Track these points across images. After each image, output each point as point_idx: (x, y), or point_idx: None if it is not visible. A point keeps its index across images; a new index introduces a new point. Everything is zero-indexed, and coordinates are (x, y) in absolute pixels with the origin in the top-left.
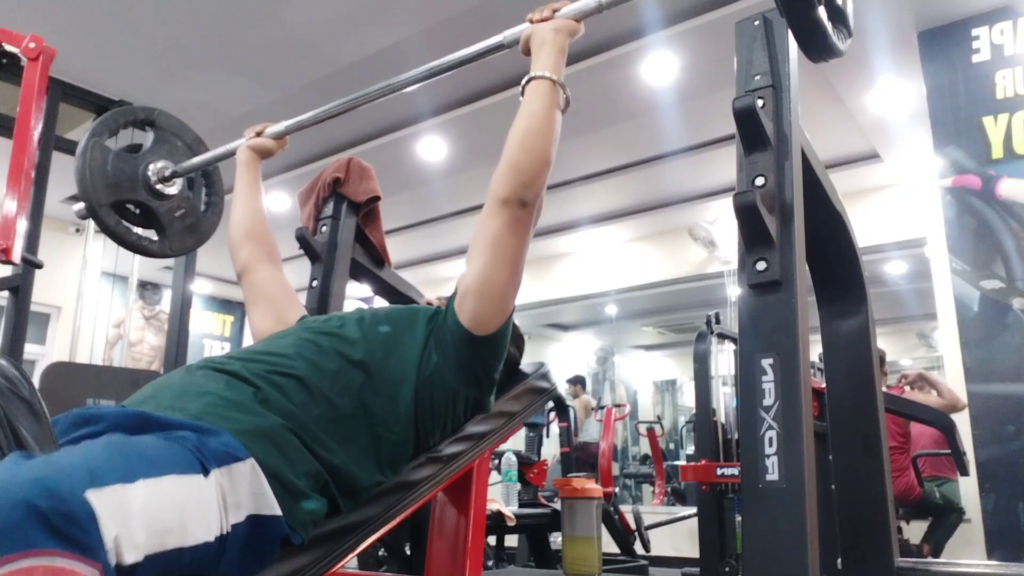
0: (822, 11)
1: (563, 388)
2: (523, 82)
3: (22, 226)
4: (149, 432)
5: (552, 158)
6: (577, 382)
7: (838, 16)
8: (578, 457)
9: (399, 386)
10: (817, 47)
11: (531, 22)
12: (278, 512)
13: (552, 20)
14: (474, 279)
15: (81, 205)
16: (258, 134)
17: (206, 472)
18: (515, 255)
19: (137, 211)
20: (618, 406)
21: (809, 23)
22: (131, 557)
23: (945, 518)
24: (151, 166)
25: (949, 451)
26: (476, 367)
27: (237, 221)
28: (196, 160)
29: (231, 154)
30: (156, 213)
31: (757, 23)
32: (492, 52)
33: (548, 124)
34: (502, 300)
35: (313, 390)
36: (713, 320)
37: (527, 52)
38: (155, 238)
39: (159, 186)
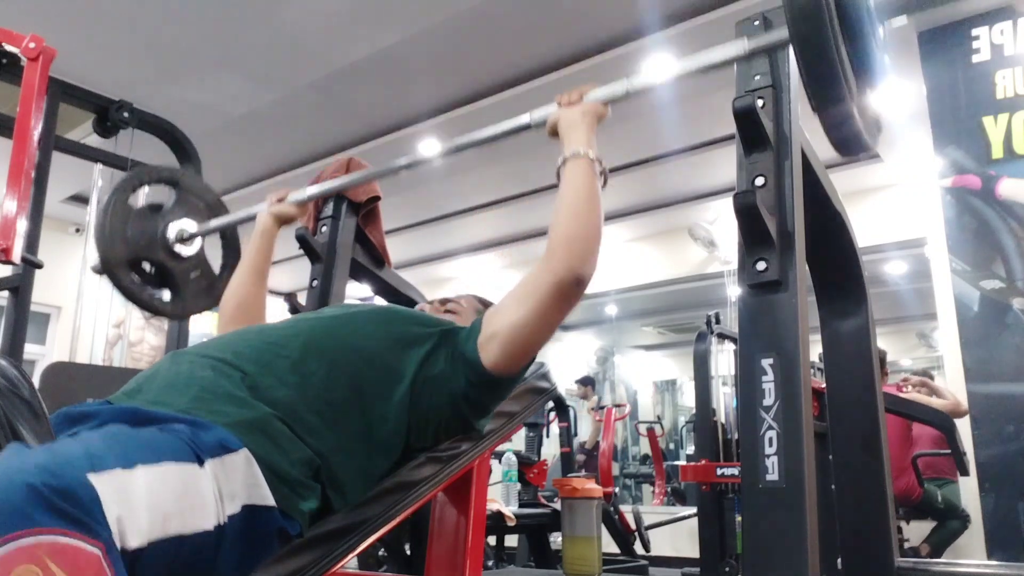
0: (855, 109)
1: (567, 388)
2: (559, 163)
3: (22, 226)
4: (141, 427)
5: (602, 232)
6: (587, 383)
7: (868, 112)
8: (587, 463)
9: (396, 378)
10: (850, 147)
11: (559, 105)
12: (272, 503)
13: (580, 104)
14: (507, 328)
15: (97, 262)
16: (280, 200)
17: (201, 462)
18: (555, 322)
19: (152, 270)
20: (618, 406)
21: (843, 122)
22: (135, 541)
23: (948, 522)
24: (171, 226)
25: (949, 451)
26: (478, 396)
27: (235, 289)
28: (216, 223)
29: (251, 218)
30: (172, 273)
31: (757, 23)
32: (518, 132)
33: (596, 198)
34: (528, 355)
35: (306, 372)
36: (713, 320)
37: (554, 134)
38: (168, 298)
39: (177, 247)
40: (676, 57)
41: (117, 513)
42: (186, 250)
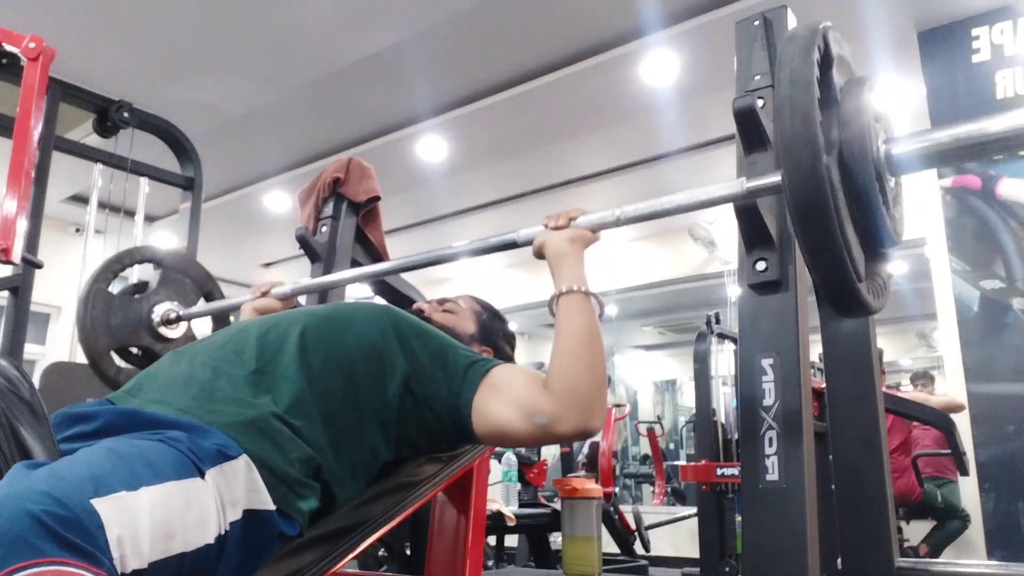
0: (863, 288)
1: None
2: (552, 298)
3: (22, 226)
4: (140, 430)
5: (606, 369)
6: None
7: (877, 264)
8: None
9: (389, 376)
10: (850, 310)
11: (546, 227)
12: (271, 507)
13: (568, 230)
14: (497, 423)
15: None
16: (264, 294)
17: (202, 474)
18: (541, 444)
19: (139, 353)
20: (618, 406)
21: (850, 303)
22: (135, 564)
23: (948, 522)
24: (156, 308)
25: (949, 451)
26: (458, 437)
27: None
28: (201, 308)
29: (236, 308)
30: (159, 355)
31: (757, 23)
32: (504, 248)
33: (598, 337)
34: (507, 445)
35: (305, 367)
36: (713, 320)
37: (539, 256)
38: None
39: (162, 329)
40: (676, 56)
41: (120, 537)
42: (172, 332)
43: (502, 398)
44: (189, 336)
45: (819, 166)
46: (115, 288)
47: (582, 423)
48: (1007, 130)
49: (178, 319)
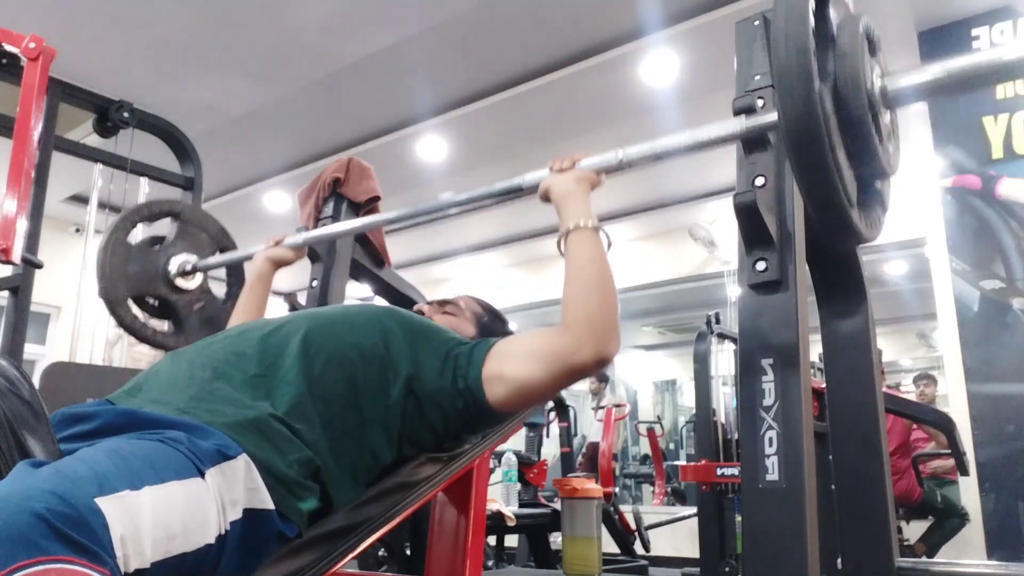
0: (855, 214)
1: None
2: (561, 236)
3: (22, 226)
4: (139, 430)
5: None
6: (603, 379)
7: (874, 200)
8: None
9: (392, 377)
10: (849, 242)
11: (551, 170)
12: (271, 506)
13: (572, 171)
14: (517, 380)
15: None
16: (276, 243)
17: (202, 474)
18: (566, 386)
19: (155, 303)
20: (618, 406)
21: (842, 229)
22: (138, 563)
23: (946, 521)
24: (172, 260)
25: (949, 451)
26: (472, 421)
27: (236, 323)
28: (216, 259)
29: (249, 257)
30: (174, 306)
31: (757, 23)
32: (510, 194)
33: (608, 268)
34: (531, 405)
35: (305, 369)
36: (713, 320)
37: (546, 199)
38: (170, 330)
39: (179, 280)
40: (676, 56)
41: (123, 536)
42: (188, 283)
43: (512, 357)
44: (204, 288)
45: (811, 92)
46: (134, 239)
47: (599, 350)
48: (991, 61)
49: (194, 270)
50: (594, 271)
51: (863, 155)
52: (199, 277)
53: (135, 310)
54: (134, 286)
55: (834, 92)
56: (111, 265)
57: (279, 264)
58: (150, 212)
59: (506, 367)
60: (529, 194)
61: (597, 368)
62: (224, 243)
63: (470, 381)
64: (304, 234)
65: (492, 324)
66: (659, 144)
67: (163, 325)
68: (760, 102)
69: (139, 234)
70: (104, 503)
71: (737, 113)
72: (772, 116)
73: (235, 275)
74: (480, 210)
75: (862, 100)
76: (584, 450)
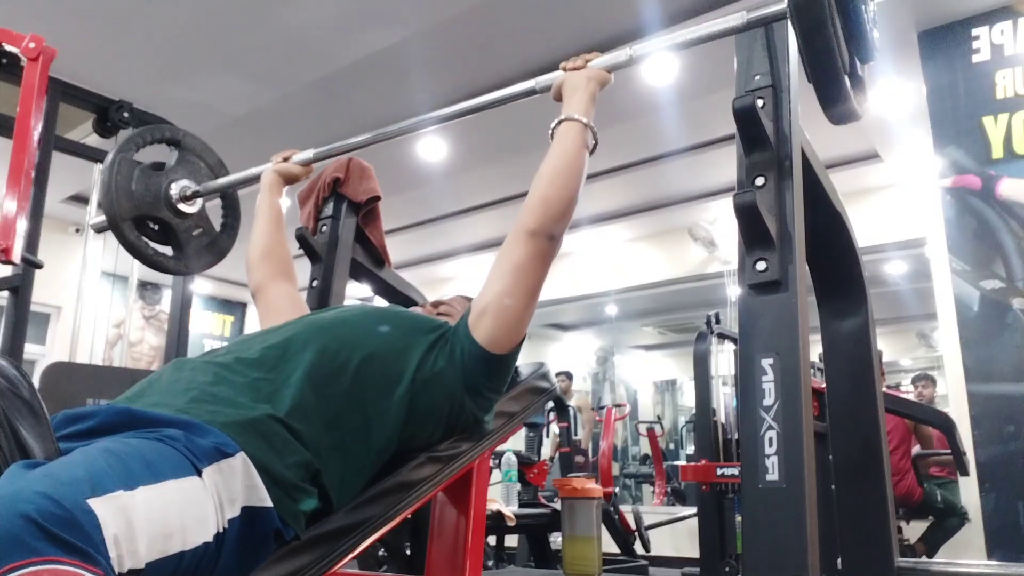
0: (847, 80)
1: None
2: (553, 124)
3: (22, 226)
4: (136, 429)
5: (579, 195)
6: (570, 376)
7: (859, 84)
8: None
9: (396, 376)
10: (841, 113)
11: (564, 70)
12: (269, 504)
13: (585, 69)
14: (493, 301)
15: (101, 218)
16: (285, 159)
17: (199, 472)
18: (535, 284)
19: (156, 227)
20: (618, 406)
21: (836, 92)
22: (132, 563)
23: (946, 520)
24: (174, 184)
25: (949, 451)
26: (482, 381)
27: (256, 241)
28: (220, 181)
29: (255, 178)
30: (175, 231)
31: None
32: (524, 96)
33: (579, 163)
34: (518, 324)
35: (308, 369)
36: (713, 320)
37: (558, 98)
38: (172, 254)
39: (180, 204)
40: (676, 56)
41: (116, 537)
42: (188, 208)
43: (484, 290)
44: (203, 216)
45: None
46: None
47: (546, 227)
48: None
49: (195, 195)
50: (566, 162)
51: (855, 36)
52: (199, 203)
53: (137, 233)
54: (137, 206)
55: None
56: (116, 183)
57: (287, 179)
58: (153, 137)
59: (482, 300)
60: (542, 93)
61: (547, 244)
62: (221, 174)
63: (461, 337)
64: (313, 150)
65: None
66: (667, 39)
67: (164, 249)
68: (760, 102)
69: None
70: (97, 504)
71: (737, 113)
72: (777, 5)
73: (231, 208)
74: (480, 210)
75: None
76: (583, 446)
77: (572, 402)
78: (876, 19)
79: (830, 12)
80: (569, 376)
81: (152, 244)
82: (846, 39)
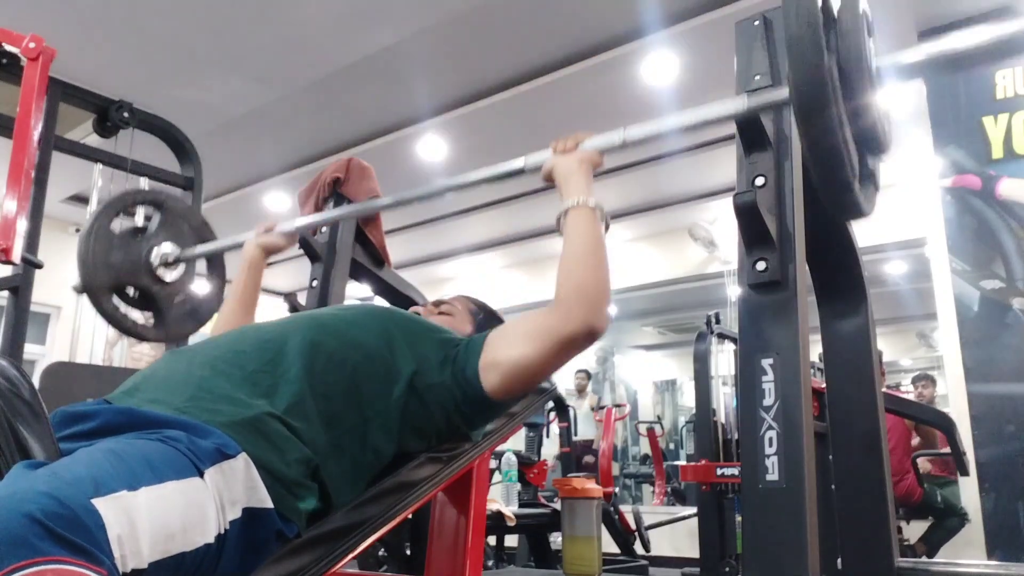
0: (857, 185)
1: (567, 388)
2: (560, 214)
3: (22, 226)
4: (138, 429)
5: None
6: (588, 376)
7: (869, 178)
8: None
9: (394, 377)
10: (848, 214)
11: (554, 151)
12: (270, 505)
13: (576, 152)
14: (511, 363)
15: (79, 283)
16: (268, 230)
17: (201, 474)
18: (560, 365)
19: (136, 294)
20: (618, 406)
21: (845, 200)
22: (135, 563)
23: (946, 520)
24: (155, 250)
25: (949, 451)
26: (472, 413)
27: (224, 322)
28: (202, 249)
29: (238, 246)
30: (156, 297)
31: (757, 23)
32: (512, 176)
33: (603, 246)
34: (527, 388)
35: (306, 368)
36: (713, 320)
37: (548, 180)
38: (151, 322)
39: (160, 271)
40: (676, 56)
41: (120, 537)
42: (170, 274)
43: (505, 341)
44: (186, 281)
45: (822, 64)
46: (117, 228)
47: (588, 321)
48: (980, 42)
49: (176, 261)
50: (588, 247)
51: (864, 130)
52: (181, 268)
53: (116, 301)
54: (116, 275)
55: (839, 68)
56: (94, 253)
57: (270, 251)
58: (133, 200)
59: (499, 352)
60: (531, 174)
61: (587, 340)
62: (205, 236)
63: (468, 373)
64: (296, 220)
65: (488, 322)
66: (662, 123)
67: (144, 317)
68: None
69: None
70: (100, 503)
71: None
72: (778, 93)
73: (216, 269)
74: (480, 210)
75: (864, 76)
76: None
77: (586, 401)
78: (887, 109)
79: (838, 113)
80: (588, 375)
81: (132, 313)
82: (853, 132)
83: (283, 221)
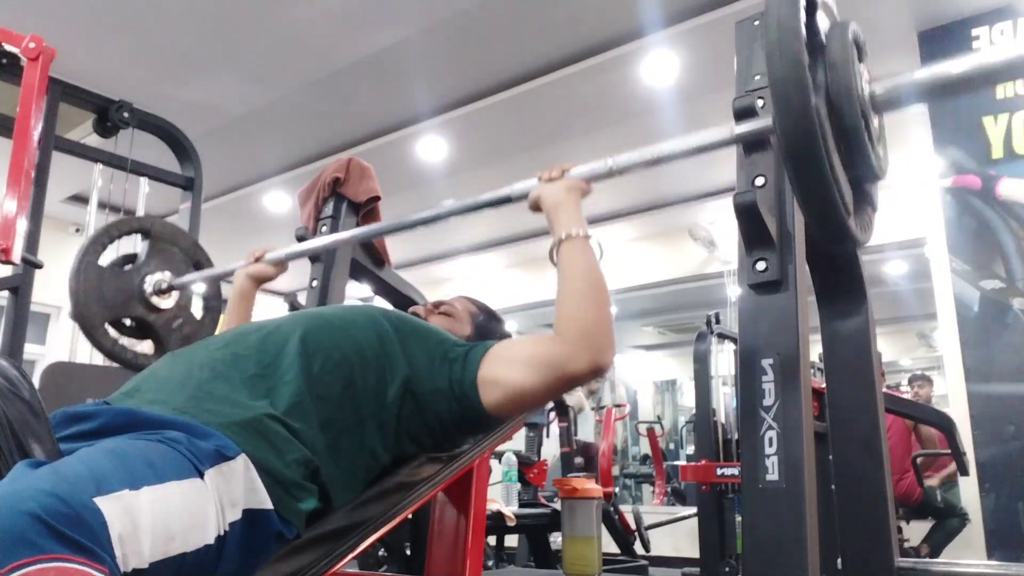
0: (852, 222)
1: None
2: (553, 246)
3: (22, 226)
4: (138, 430)
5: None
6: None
7: (863, 202)
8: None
9: (389, 378)
10: (846, 247)
11: (540, 180)
12: (270, 506)
13: (562, 180)
14: (512, 387)
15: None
16: (257, 259)
17: (201, 475)
18: (560, 394)
19: (133, 324)
20: (618, 406)
21: (840, 237)
22: (136, 563)
23: (947, 521)
24: (147, 279)
25: (949, 451)
26: (470, 423)
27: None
28: (193, 276)
29: (229, 274)
30: (153, 326)
31: (757, 23)
32: (497, 204)
33: (602, 278)
34: (524, 410)
35: (304, 369)
36: (713, 320)
37: (535, 208)
38: (152, 351)
39: (155, 299)
40: (676, 56)
41: (121, 536)
42: (165, 302)
43: (508, 362)
44: (182, 305)
45: (809, 105)
46: (105, 260)
47: (594, 360)
48: (979, 65)
49: (170, 288)
50: (587, 281)
51: (857, 161)
52: (175, 295)
53: (113, 333)
54: (110, 309)
55: (827, 101)
56: (84, 290)
57: (260, 281)
58: (119, 231)
59: (501, 372)
60: (519, 202)
61: (592, 377)
62: (197, 257)
63: (466, 385)
64: (285, 250)
65: (488, 323)
66: (650, 151)
67: (143, 346)
68: (760, 102)
69: (111, 254)
70: (102, 502)
71: (737, 113)
72: (764, 122)
73: (212, 290)
74: (480, 210)
75: (855, 108)
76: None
77: (592, 401)
78: (884, 131)
79: (824, 141)
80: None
81: (131, 344)
82: (844, 162)
83: (271, 249)
